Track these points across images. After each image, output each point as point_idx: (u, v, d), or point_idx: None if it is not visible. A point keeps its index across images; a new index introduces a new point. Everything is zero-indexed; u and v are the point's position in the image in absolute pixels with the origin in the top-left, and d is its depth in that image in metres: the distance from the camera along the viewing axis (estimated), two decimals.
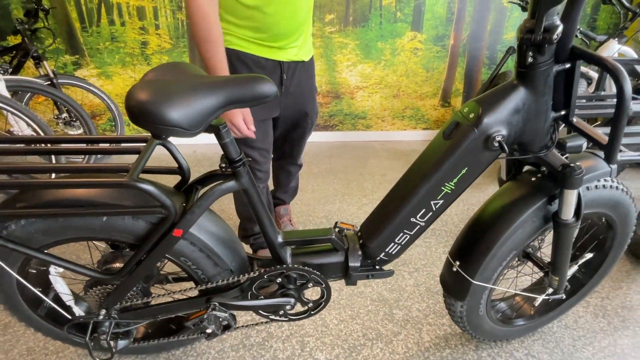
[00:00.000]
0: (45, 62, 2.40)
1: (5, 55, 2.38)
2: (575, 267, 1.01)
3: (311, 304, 0.93)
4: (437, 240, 1.68)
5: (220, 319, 0.87)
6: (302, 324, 1.19)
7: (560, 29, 0.61)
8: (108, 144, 0.79)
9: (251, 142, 1.18)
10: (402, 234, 0.83)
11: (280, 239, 0.87)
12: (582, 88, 2.27)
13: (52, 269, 0.87)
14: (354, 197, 2.11)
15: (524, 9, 2.51)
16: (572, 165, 0.74)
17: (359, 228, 0.93)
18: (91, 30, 2.77)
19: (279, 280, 0.87)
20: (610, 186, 0.87)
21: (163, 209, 0.72)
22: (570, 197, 0.76)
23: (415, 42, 3.03)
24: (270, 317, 0.93)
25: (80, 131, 2.49)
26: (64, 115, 2.50)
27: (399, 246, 0.87)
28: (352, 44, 2.99)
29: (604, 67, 0.63)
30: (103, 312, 0.87)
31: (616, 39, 2.17)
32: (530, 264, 1.06)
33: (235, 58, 1.10)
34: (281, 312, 0.92)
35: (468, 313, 0.95)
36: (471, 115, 0.71)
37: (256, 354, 1.09)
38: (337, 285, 1.37)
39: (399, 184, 0.84)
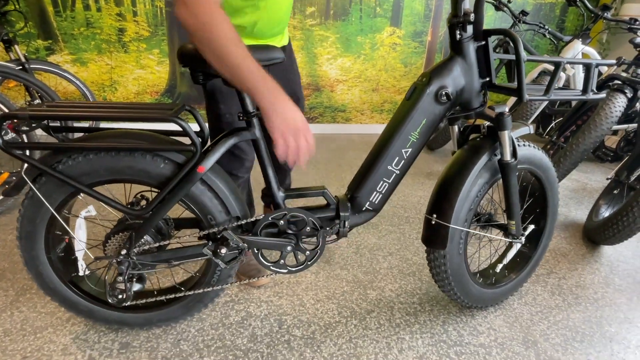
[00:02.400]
0: (16, 46, 2.32)
1: None
2: (531, 227, 1.22)
3: (308, 252, 1.02)
4: (410, 227, 1.75)
5: (232, 245, 0.96)
6: (280, 304, 1.23)
7: (472, 15, 0.87)
8: (140, 110, 0.88)
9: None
10: (382, 182, 1.01)
11: (281, 192, 1.01)
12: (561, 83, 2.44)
13: (83, 213, 0.94)
14: (332, 188, 2.16)
15: (497, 8, 2.61)
16: (502, 112, 0.97)
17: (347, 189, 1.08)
18: (65, 15, 2.69)
19: (281, 222, 0.98)
20: (531, 146, 1.10)
21: (192, 146, 0.86)
22: (506, 138, 0.98)
23: (394, 38, 3.10)
24: (272, 267, 1.01)
25: None
26: (37, 101, 2.43)
27: (380, 195, 1.02)
28: (333, 38, 3.03)
29: (505, 34, 0.89)
30: (124, 252, 0.94)
31: (580, 40, 2.30)
32: (494, 231, 1.18)
33: None
34: (281, 262, 1.01)
35: (451, 263, 1.07)
36: (424, 79, 0.95)
37: (235, 331, 1.12)
38: (313, 269, 1.42)
39: (377, 142, 1.02)
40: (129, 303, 0.96)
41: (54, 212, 0.91)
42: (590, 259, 1.57)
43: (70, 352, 1.03)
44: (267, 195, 1.02)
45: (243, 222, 0.98)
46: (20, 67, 2.33)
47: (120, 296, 0.94)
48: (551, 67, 2.27)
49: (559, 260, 1.54)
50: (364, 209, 1.03)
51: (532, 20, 3.16)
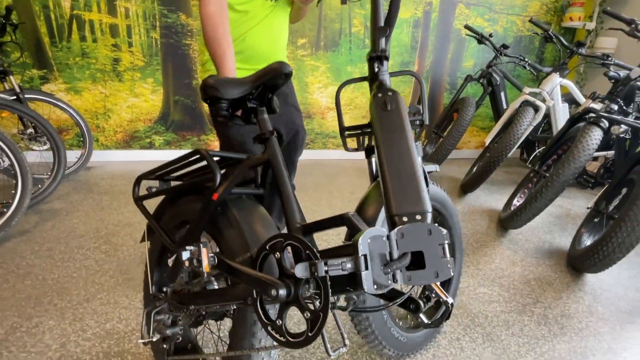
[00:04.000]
0: (11, 77, 2.36)
1: None
2: None
3: (308, 313, 0.72)
4: None
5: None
6: None
7: (388, 52, 0.89)
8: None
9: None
10: None
11: (298, 219, 0.86)
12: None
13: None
14: (324, 214, 2.19)
15: (479, 41, 2.75)
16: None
17: None
18: (61, 46, 2.75)
19: (277, 255, 0.78)
20: (433, 183, 1.16)
21: (212, 174, 0.86)
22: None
23: None
24: (268, 329, 0.76)
25: (47, 146, 2.44)
26: (29, 130, 2.45)
27: None
28: (323, 67, 3.13)
29: (410, 74, 0.96)
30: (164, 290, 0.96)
31: (557, 73, 2.42)
32: None
33: None
34: (278, 323, 0.75)
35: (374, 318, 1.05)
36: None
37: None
38: None
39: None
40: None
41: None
42: (574, 287, 1.61)
43: None
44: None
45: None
46: (15, 97, 2.35)
47: (144, 332, 0.96)
48: (531, 98, 2.39)
49: (545, 289, 1.58)
50: None
51: (513, 52, 3.32)
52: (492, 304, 1.48)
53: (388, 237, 0.63)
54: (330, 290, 0.65)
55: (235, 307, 0.84)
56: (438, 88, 3.35)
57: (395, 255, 0.62)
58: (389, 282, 0.61)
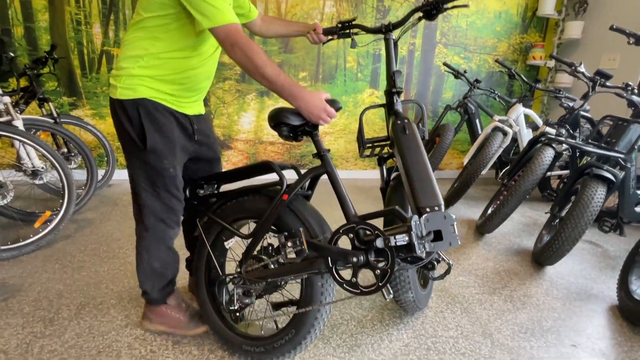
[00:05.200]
0: (50, 103, 2.69)
1: (13, 96, 2.64)
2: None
3: (378, 270, 1.04)
4: None
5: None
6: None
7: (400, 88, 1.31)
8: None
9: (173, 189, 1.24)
10: None
11: (353, 211, 1.14)
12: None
13: (228, 242, 1.31)
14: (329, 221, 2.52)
15: (456, 76, 3.22)
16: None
17: None
18: (90, 77, 3.10)
19: (350, 235, 1.07)
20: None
21: (280, 183, 1.16)
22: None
23: (373, 97, 3.65)
24: (345, 285, 1.07)
25: (76, 165, 2.74)
26: (63, 149, 2.75)
27: None
28: None
29: (417, 103, 1.41)
30: (237, 270, 1.24)
31: (521, 104, 2.88)
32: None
33: (154, 108, 1.14)
34: (353, 280, 1.05)
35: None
36: None
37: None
38: None
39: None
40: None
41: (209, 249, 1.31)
42: (536, 276, 1.96)
43: (135, 348, 1.30)
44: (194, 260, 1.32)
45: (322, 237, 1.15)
46: (53, 121, 2.67)
47: (231, 307, 1.26)
48: (500, 124, 2.82)
49: (512, 278, 1.93)
50: None
51: (486, 85, 3.81)
52: (469, 288, 1.81)
53: (420, 221, 1.00)
54: (395, 255, 1.01)
55: (306, 275, 1.15)
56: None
57: (425, 233, 0.99)
58: (427, 248, 0.99)
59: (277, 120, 1.14)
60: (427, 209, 1.02)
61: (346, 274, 1.32)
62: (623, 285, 1.69)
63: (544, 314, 1.63)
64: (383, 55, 3.55)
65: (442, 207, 1.03)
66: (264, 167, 1.25)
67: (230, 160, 3.54)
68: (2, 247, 1.84)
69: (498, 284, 1.87)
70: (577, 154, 2.28)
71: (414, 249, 0.98)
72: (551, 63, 3.71)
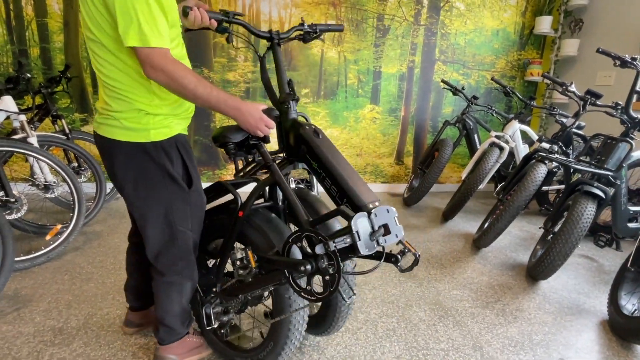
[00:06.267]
0: (63, 120, 2.81)
1: (29, 113, 2.77)
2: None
3: (327, 276, 1.01)
4: (390, 267, 2.18)
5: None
6: None
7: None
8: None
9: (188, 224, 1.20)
10: None
11: (304, 216, 1.11)
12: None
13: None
14: None
15: (454, 93, 3.30)
16: None
17: None
18: None
19: (298, 244, 1.05)
20: None
21: (234, 201, 1.18)
22: None
23: (373, 113, 3.75)
24: (302, 294, 1.06)
25: (86, 179, 2.85)
26: (74, 164, 2.87)
27: None
28: (323, 113, 3.65)
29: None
30: (213, 289, 1.26)
31: (517, 120, 2.95)
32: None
33: (185, 141, 1.15)
34: (308, 288, 1.05)
35: None
36: None
37: None
38: None
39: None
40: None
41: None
42: (529, 290, 2.00)
43: (139, 357, 1.37)
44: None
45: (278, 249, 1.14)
46: (65, 137, 2.79)
47: (207, 322, 1.29)
48: (497, 140, 2.88)
49: (505, 292, 1.97)
50: None
51: (484, 101, 3.89)
52: (462, 302, 1.86)
53: (369, 218, 0.97)
54: (339, 258, 0.99)
55: (272, 288, 1.17)
56: (422, 131, 3.87)
57: (376, 227, 0.98)
58: (375, 246, 0.97)
59: (219, 140, 1.14)
60: (370, 205, 1.01)
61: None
62: (613, 300, 1.73)
63: (534, 328, 1.67)
64: (384, 72, 3.65)
65: (380, 201, 1.04)
66: (218, 188, 1.27)
67: (233, 173, 3.64)
68: (16, 259, 1.93)
69: (491, 297, 1.91)
70: (571, 170, 2.34)
71: (357, 250, 0.95)
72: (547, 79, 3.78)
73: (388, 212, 0.98)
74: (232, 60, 3.37)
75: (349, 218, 0.97)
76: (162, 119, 1.07)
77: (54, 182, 2.37)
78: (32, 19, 3.04)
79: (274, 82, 1.25)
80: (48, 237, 2.14)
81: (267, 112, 1.13)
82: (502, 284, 2.06)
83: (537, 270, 1.99)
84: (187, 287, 1.23)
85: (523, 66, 3.87)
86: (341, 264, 0.99)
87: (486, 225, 2.58)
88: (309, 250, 1.07)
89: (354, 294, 1.16)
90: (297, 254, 1.08)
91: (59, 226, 2.18)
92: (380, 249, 0.99)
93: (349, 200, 1.03)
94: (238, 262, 1.21)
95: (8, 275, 1.61)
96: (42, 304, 1.67)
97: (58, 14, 3.06)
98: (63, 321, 1.56)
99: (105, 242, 2.35)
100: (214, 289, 1.30)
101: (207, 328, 1.32)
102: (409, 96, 3.76)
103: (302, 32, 1.35)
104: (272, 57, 1.28)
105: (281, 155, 1.26)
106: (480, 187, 2.85)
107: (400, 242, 1.01)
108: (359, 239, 0.95)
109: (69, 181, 2.24)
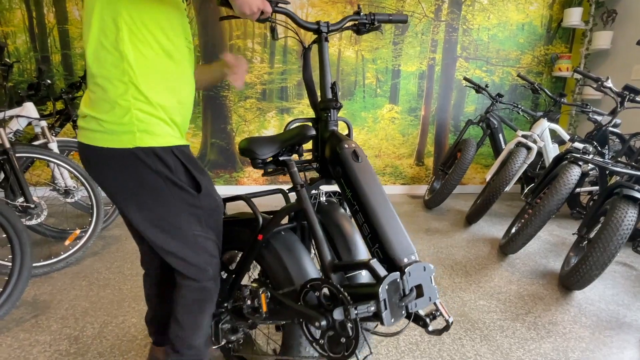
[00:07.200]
0: None
1: (49, 118, 2.81)
2: None
3: (344, 338, 0.89)
4: None
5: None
6: None
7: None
8: None
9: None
10: None
11: (329, 258, 0.97)
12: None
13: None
14: None
15: (477, 91, 3.16)
16: None
17: None
18: None
19: (317, 293, 0.94)
20: None
21: (255, 221, 1.06)
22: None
23: (392, 113, 3.64)
24: (313, 344, 0.96)
25: None
26: None
27: None
28: (341, 113, 3.57)
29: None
30: (224, 305, 1.15)
31: (545, 119, 2.79)
32: None
33: (180, 152, 0.96)
34: (321, 342, 0.94)
35: None
36: None
37: None
38: None
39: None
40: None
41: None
42: (562, 301, 1.87)
43: None
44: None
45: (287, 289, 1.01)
46: None
47: (214, 339, 1.20)
48: (524, 140, 2.74)
49: (536, 303, 1.85)
50: None
51: (510, 99, 3.73)
52: (490, 313, 1.75)
53: (402, 277, 0.84)
54: (360, 326, 0.86)
55: (284, 322, 1.07)
56: (443, 130, 3.74)
57: (407, 290, 0.84)
58: (403, 313, 0.84)
59: (246, 155, 1.03)
60: (405, 260, 0.87)
61: None
62: None
63: (570, 344, 1.55)
64: (403, 70, 3.55)
65: (416, 255, 0.90)
66: (238, 199, 1.17)
67: (251, 177, 3.61)
68: (35, 264, 1.95)
69: (521, 309, 1.79)
70: (608, 172, 2.18)
71: (382, 320, 0.82)
72: (578, 75, 3.58)
73: (425, 270, 0.86)
74: (248, 62, 3.34)
75: (378, 280, 0.84)
76: (147, 119, 0.89)
77: (74, 187, 2.39)
78: (54, 26, 3.09)
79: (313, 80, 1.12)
80: (67, 243, 2.15)
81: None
82: (532, 293, 1.94)
83: (571, 279, 1.86)
84: (209, 300, 1.09)
85: (550, 61, 3.69)
86: (360, 329, 0.87)
87: (514, 230, 2.45)
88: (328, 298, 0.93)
89: (371, 352, 1.04)
90: (313, 300, 0.96)
91: (78, 231, 2.20)
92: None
93: (380, 248, 0.89)
94: (248, 301, 1.10)
95: (26, 282, 1.61)
96: (60, 311, 1.67)
97: (78, 21, 3.10)
98: (79, 329, 1.55)
99: (123, 247, 2.35)
100: (225, 304, 1.22)
101: (213, 347, 1.23)
102: (430, 95, 3.63)
103: (356, 23, 1.13)
104: (318, 53, 1.09)
105: (314, 164, 1.13)
106: (507, 189, 2.71)
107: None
108: (385, 308, 0.82)
109: (87, 186, 2.25)
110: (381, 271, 0.86)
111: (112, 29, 0.85)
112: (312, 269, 1.06)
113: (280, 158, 1.05)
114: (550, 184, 2.18)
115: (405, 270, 0.85)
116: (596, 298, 1.91)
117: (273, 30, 1.05)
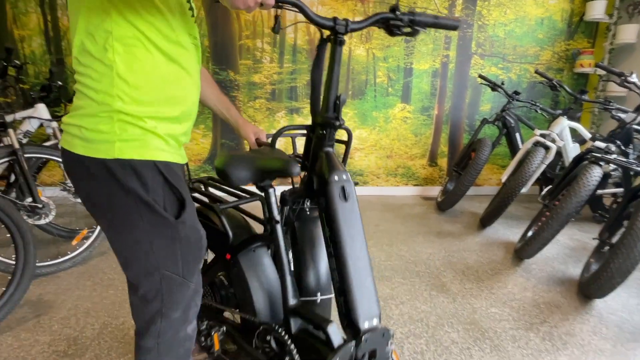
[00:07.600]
0: None
1: (60, 120, 2.86)
2: None
3: None
4: (420, 280, 2.00)
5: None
6: None
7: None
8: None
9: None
10: None
11: (291, 300, 0.93)
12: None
13: None
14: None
15: (493, 89, 3.05)
16: None
17: None
18: None
19: (268, 337, 0.94)
20: None
21: (226, 237, 1.01)
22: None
23: (404, 112, 3.55)
24: None
25: None
26: None
27: None
28: (351, 113, 3.51)
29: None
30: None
31: (565, 117, 2.66)
32: None
33: (167, 168, 0.80)
34: None
35: None
36: None
37: None
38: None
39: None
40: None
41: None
42: (581, 310, 1.76)
43: None
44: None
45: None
46: None
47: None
48: (542, 139, 2.61)
49: (553, 311, 1.74)
50: None
51: (527, 96, 3.58)
52: (502, 322, 1.66)
53: (357, 345, 0.78)
54: None
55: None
56: (457, 130, 3.63)
57: (360, 357, 0.79)
58: None
59: (221, 177, 0.95)
60: (366, 325, 0.81)
61: None
62: None
63: (589, 357, 1.44)
64: (415, 69, 3.46)
65: (379, 317, 0.84)
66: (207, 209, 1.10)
67: None
68: (43, 264, 1.97)
69: (536, 318, 1.69)
70: (632, 172, 2.05)
71: None
72: (601, 71, 3.41)
73: (383, 336, 0.81)
74: (258, 62, 3.32)
75: (332, 350, 0.80)
76: (131, 129, 0.76)
77: None
78: (67, 29, 3.14)
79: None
80: (74, 242, 2.17)
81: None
82: (548, 301, 1.83)
83: (591, 287, 1.75)
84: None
85: (572, 57, 3.52)
86: None
87: (530, 233, 2.33)
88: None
89: None
90: (268, 341, 0.95)
91: (85, 230, 2.21)
92: None
93: (345, 304, 0.82)
94: (202, 338, 1.10)
95: (29, 282, 1.62)
96: (62, 311, 1.67)
97: None
98: (79, 330, 1.54)
99: None
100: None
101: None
102: (443, 93, 3.53)
103: (387, 21, 0.86)
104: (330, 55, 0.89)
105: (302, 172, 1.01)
106: (524, 190, 2.59)
107: None
108: None
109: None
110: (336, 339, 0.83)
111: (101, 34, 0.75)
112: (277, 302, 1.02)
113: (260, 184, 0.96)
114: (569, 186, 2.06)
115: (363, 337, 0.79)
116: (618, 307, 1.79)
117: (276, 21, 0.86)
